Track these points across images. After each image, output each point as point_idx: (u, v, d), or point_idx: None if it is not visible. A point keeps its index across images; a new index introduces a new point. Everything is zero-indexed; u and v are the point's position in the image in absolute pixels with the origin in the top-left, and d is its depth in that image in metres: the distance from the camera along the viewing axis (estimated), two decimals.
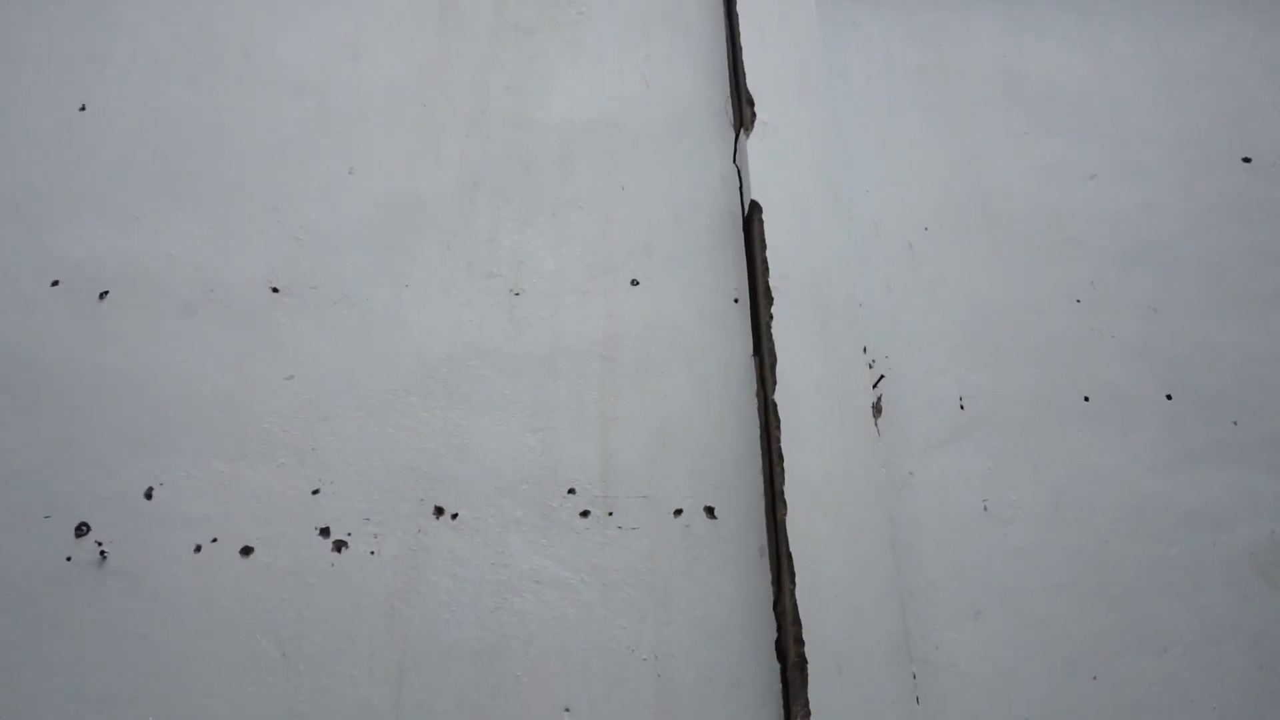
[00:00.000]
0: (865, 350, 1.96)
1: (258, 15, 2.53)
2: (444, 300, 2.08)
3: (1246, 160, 2.31)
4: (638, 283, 2.11)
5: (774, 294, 1.99)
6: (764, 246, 2.06)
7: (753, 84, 2.29)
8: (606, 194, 2.23)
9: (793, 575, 1.70)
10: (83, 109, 2.34)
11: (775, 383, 1.89)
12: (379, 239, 2.16)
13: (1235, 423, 1.96)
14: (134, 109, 2.35)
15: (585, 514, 1.85)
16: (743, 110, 2.31)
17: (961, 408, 1.96)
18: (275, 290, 2.09)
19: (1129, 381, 2.00)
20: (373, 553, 1.81)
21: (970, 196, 2.24)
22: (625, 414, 1.95)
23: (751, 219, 2.15)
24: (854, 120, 2.33)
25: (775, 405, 1.86)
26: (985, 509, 1.86)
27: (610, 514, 1.85)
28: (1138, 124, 2.36)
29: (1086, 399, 1.97)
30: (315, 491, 1.87)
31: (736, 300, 2.09)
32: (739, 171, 2.27)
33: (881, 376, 1.97)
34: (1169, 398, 1.98)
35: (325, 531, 1.83)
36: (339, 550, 1.81)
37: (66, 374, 2.00)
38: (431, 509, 1.85)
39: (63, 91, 2.35)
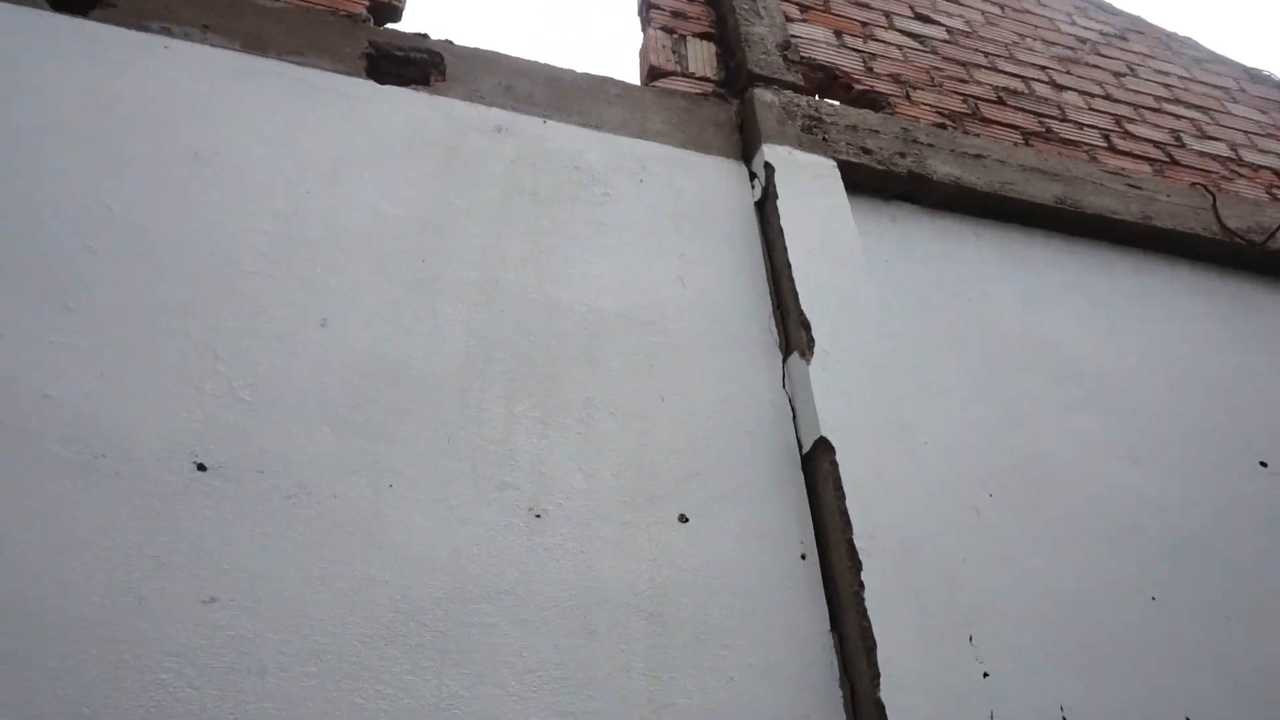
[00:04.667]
0: (972, 640, 1.62)
1: (212, 115, 2.04)
2: (442, 513, 1.55)
3: (1264, 464, 2.30)
4: (687, 519, 1.68)
5: (861, 557, 1.63)
6: (841, 496, 1.71)
7: (807, 305, 2.04)
8: (643, 402, 1.84)
9: None
10: None
11: (878, 675, 1.48)
12: (357, 416, 1.63)
13: None
14: (37, 211, 1.75)
15: None
16: (793, 332, 2.04)
17: None
18: (201, 467, 1.48)
19: (1225, 704, 1.76)
20: None
21: (1022, 465, 2.04)
22: (682, 700, 1.46)
23: (817, 459, 1.82)
24: (902, 362, 2.12)
25: (883, 706, 1.44)
26: None
27: None
28: (1157, 411, 2.31)
29: None
30: None
31: (804, 557, 1.71)
32: (790, 400, 1.96)
33: (986, 674, 1.61)
34: None
35: None
36: None
37: None
38: None
39: None
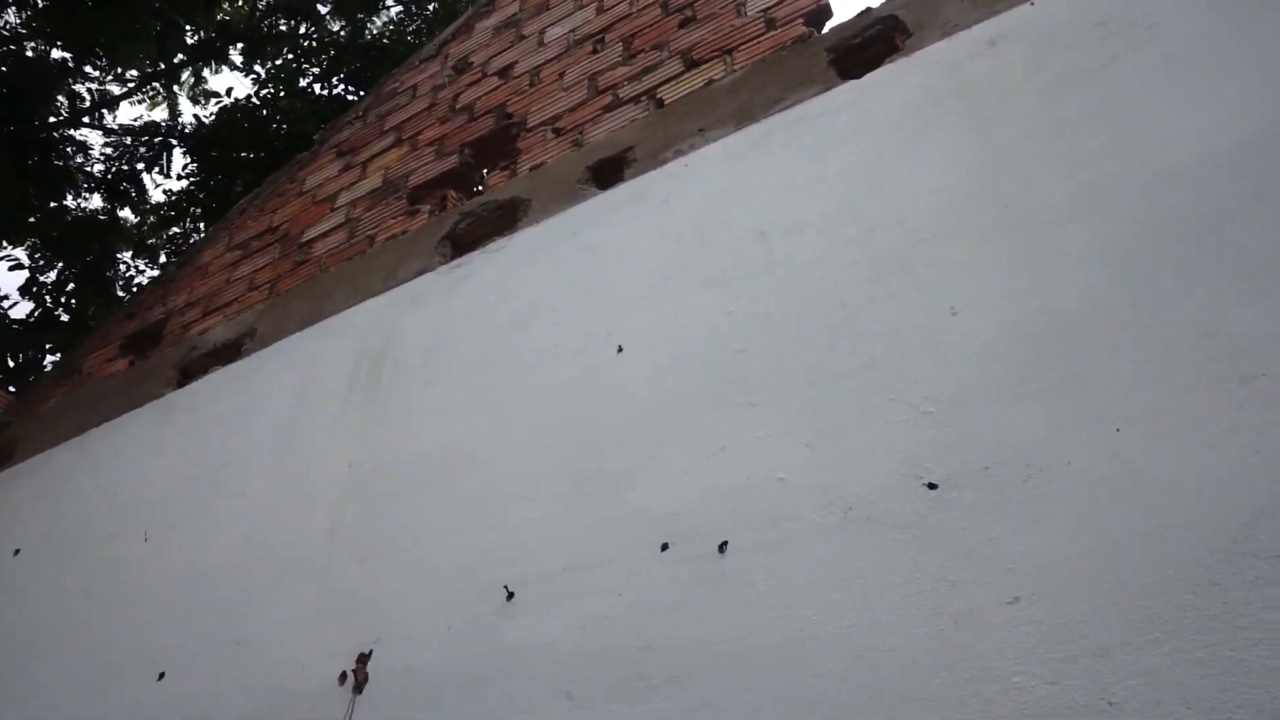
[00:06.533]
0: None
1: (750, 196, 2.22)
2: (1192, 433, 1.40)
3: None
4: None
5: None
6: None
7: None
8: None
9: None
10: (620, 350, 2.12)
11: None
12: (1047, 374, 1.57)
13: None
14: (668, 339, 2.08)
15: None
16: None
17: None
18: (932, 486, 1.55)
19: None
20: None
21: None
22: None
23: None
24: None
25: None
26: None
27: None
28: None
29: None
30: None
31: None
32: None
33: None
34: None
35: None
36: None
37: (692, 652, 1.58)
38: None
39: (596, 330, 2.17)
